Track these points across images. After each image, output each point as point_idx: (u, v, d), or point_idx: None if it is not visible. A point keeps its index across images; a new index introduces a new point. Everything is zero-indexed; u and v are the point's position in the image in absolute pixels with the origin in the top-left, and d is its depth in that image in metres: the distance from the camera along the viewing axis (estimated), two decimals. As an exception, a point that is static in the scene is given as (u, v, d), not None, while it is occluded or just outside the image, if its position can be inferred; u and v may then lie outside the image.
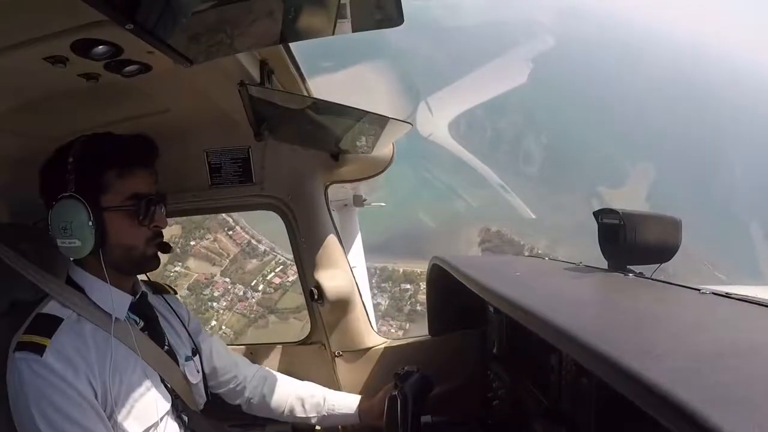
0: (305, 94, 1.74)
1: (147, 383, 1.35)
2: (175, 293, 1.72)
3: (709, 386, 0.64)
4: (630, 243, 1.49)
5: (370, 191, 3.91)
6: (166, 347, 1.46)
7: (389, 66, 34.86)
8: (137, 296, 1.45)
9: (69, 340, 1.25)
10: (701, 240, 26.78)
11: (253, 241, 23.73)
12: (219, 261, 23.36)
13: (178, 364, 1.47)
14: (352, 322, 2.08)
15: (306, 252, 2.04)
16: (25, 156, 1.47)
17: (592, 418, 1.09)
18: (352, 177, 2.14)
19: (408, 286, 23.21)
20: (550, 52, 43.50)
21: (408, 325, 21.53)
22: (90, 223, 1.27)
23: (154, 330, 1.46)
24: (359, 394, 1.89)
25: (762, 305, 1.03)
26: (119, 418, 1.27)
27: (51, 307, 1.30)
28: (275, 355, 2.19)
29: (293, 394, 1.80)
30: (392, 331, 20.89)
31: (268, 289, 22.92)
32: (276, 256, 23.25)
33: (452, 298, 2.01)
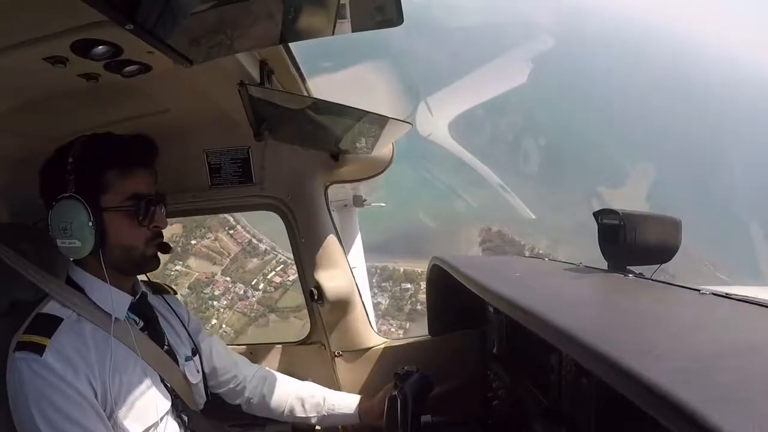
0: (305, 94, 1.74)
1: (147, 383, 1.35)
2: (175, 293, 1.72)
3: (709, 386, 0.64)
4: (630, 243, 1.49)
5: (370, 191, 3.91)
6: (165, 347, 1.46)
7: (389, 66, 34.87)
8: (137, 296, 1.45)
9: (69, 340, 1.25)
10: (701, 240, 26.80)
11: (254, 240, 23.77)
12: (220, 260, 23.41)
13: (177, 364, 1.47)
14: (351, 322, 2.08)
15: (306, 252, 2.04)
16: (25, 156, 1.47)
17: (592, 418, 1.09)
18: (352, 177, 2.14)
19: (408, 286, 23.24)
20: (549, 52, 43.53)
21: (408, 324, 21.56)
22: (90, 224, 1.27)
23: (153, 330, 1.46)
24: (359, 394, 1.89)
25: (762, 305, 1.03)
26: (119, 418, 1.27)
27: (51, 307, 1.30)
28: (275, 355, 2.19)
29: (293, 394, 1.80)
30: (392, 330, 20.93)
31: (268, 288, 22.97)
32: (277, 255, 23.30)
33: (452, 298, 2.01)
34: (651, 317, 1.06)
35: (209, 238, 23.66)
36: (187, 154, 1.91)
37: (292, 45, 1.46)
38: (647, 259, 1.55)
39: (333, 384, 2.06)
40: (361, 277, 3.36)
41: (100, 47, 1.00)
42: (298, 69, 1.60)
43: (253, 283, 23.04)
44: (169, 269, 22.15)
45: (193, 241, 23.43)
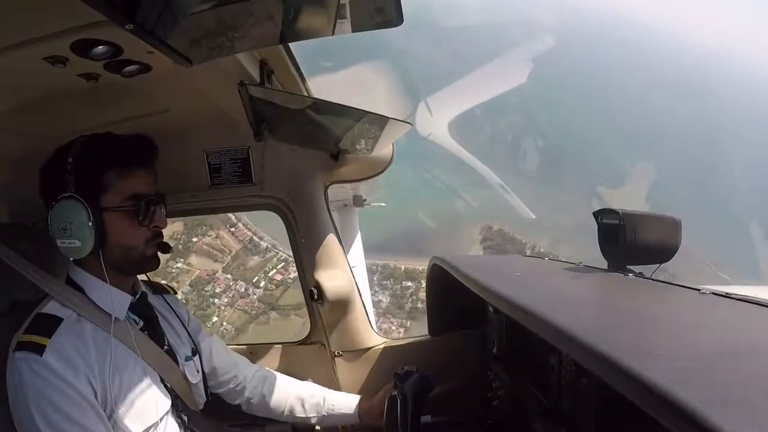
0: (305, 94, 1.74)
1: (147, 383, 1.35)
2: (175, 293, 1.72)
3: (709, 386, 0.64)
4: (630, 243, 1.50)
5: (370, 191, 3.92)
6: (165, 347, 1.46)
7: (389, 66, 34.88)
8: (137, 296, 1.45)
9: (69, 340, 1.25)
10: (702, 240, 26.80)
11: (255, 238, 23.78)
12: (221, 257, 23.42)
13: (177, 364, 1.47)
14: (351, 322, 2.08)
15: (306, 252, 2.04)
16: (25, 156, 1.47)
17: (592, 418, 1.09)
18: (352, 177, 2.14)
19: (409, 284, 23.24)
20: (550, 51, 43.54)
21: (409, 322, 21.57)
22: (90, 224, 1.27)
23: (153, 330, 1.46)
24: (359, 394, 1.89)
25: (762, 305, 1.03)
26: (119, 417, 1.27)
27: (51, 307, 1.30)
28: (275, 355, 2.19)
29: (293, 394, 1.80)
30: (393, 328, 20.94)
31: (269, 286, 22.99)
32: (278, 253, 23.30)
33: (452, 298, 2.01)
34: (651, 317, 1.06)
35: (210, 235, 23.68)
36: (187, 154, 1.91)
37: (292, 45, 1.46)
38: (647, 258, 1.55)
39: (333, 384, 2.06)
40: (361, 277, 3.36)
41: (100, 47, 1.00)
42: (298, 69, 1.59)
43: (254, 280, 23.05)
44: (171, 267, 22.16)
45: (194, 239, 23.46)
